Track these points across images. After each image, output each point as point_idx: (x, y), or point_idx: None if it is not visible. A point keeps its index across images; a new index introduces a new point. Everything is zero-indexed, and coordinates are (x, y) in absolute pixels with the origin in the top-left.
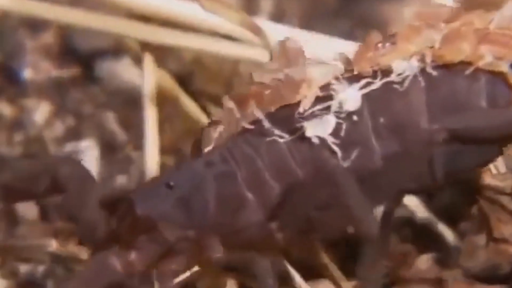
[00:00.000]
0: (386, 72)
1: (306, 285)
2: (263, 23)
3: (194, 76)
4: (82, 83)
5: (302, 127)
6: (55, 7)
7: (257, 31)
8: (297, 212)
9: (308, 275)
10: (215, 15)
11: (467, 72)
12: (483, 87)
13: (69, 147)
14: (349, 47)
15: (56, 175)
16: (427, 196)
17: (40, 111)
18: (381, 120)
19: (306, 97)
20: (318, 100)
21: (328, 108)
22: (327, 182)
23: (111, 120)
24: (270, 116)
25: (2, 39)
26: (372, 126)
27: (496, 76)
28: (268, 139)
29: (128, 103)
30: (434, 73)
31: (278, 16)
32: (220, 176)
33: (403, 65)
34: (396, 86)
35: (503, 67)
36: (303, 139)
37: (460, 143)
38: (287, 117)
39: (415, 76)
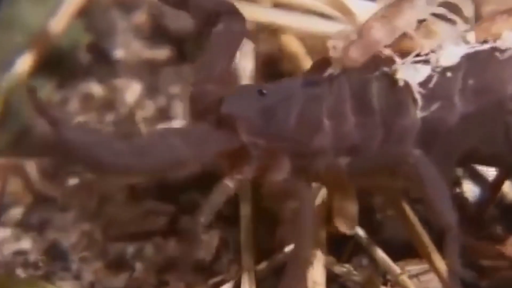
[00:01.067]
0: (494, 39)
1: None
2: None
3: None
4: (173, 63)
5: (395, 69)
6: None
7: (344, 8)
8: (367, 162)
9: (405, 253)
10: None
11: None
12: None
13: (160, 127)
14: None
15: None
16: None
17: (131, 91)
18: (471, 81)
19: (416, 48)
20: (422, 54)
21: (427, 60)
22: (400, 162)
23: None
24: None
25: (94, 19)
26: (461, 85)
27: None
28: (362, 74)
29: None
30: None
31: None
32: (310, 96)
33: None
34: (497, 54)
35: None
36: (392, 81)
37: None
38: (387, 59)
39: None
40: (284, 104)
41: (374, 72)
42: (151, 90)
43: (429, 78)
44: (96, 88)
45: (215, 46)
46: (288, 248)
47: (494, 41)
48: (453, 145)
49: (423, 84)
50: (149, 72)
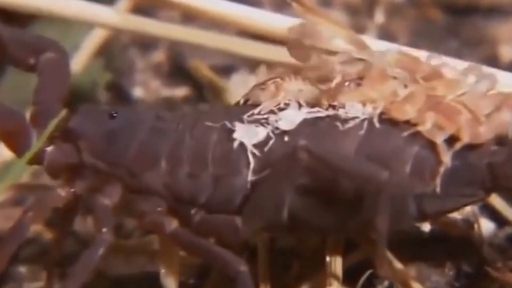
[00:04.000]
0: (338, 108)
1: None
2: (371, 41)
3: None
4: (192, 102)
5: (234, 126)
6: (166, 24)
7: (363, 48)
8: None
9: None
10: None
11: (405, 134)
12: (413, 155)
13: None
14: (457, 66)
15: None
16: None
17: None
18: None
19: (267, 104)
20: (270, 110)
21: (266, 123)
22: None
23: None
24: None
25: (113, 58)
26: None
27: (430, 146)
28: (206, 123)
29: None
30: (378, 125)
31: (386, 34)
32: (156, 130)
33: (356, 107)
34: (338, 123)
35: (438, 139)
36: (231, 138)
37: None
38: (238, 111)
39: (361, 122)
40: (130, 131)
41: (222, 122)
42: None
43: (266, 140)
44: None
45: (47, 72)
46: (305, 284)
47: (337, 109)
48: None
49: (259, 146)
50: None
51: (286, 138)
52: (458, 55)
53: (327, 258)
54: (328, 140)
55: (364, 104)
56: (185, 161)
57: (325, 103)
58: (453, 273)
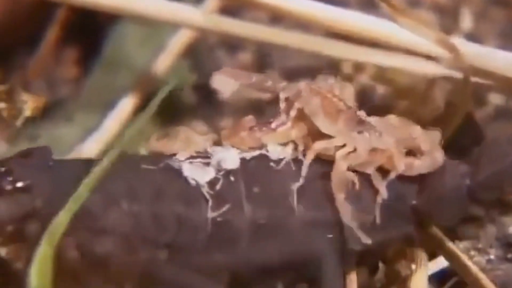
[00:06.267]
0: (262, 149)
1: None
2: (459, 42)
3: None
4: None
5: (180, 166)
6: (253, 25)
7: (452, 50)
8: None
9: None
10: (411, 33)
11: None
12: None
13: None
14: None
15: None
16: None
17: None
18: (255, 189)
19: (182, 153)
20: (195, 156)
21: (208, 164)
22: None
23: None
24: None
25: (200, 59)
26: (246, 191)
27: (362, 177)
28: (143, 166)
29: None
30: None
31: (475, 36)
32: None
33: (278, 149)
34: (272, 164)
35: (370, 169)
36: (180, 176)
37: None
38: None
39: (288, 161)
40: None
41: (162, 163)
42: None
43: (215, 180)
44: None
45: None
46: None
47: (260, 149)
48: (246, 255)
49: (210, 185)
50: (254, 112)
51: (232, 178)
52: None
53: (412, 266)
54: (271, 180)
55: (285, 145)
56: (124, 206)
57: (242, 146)
58: None
